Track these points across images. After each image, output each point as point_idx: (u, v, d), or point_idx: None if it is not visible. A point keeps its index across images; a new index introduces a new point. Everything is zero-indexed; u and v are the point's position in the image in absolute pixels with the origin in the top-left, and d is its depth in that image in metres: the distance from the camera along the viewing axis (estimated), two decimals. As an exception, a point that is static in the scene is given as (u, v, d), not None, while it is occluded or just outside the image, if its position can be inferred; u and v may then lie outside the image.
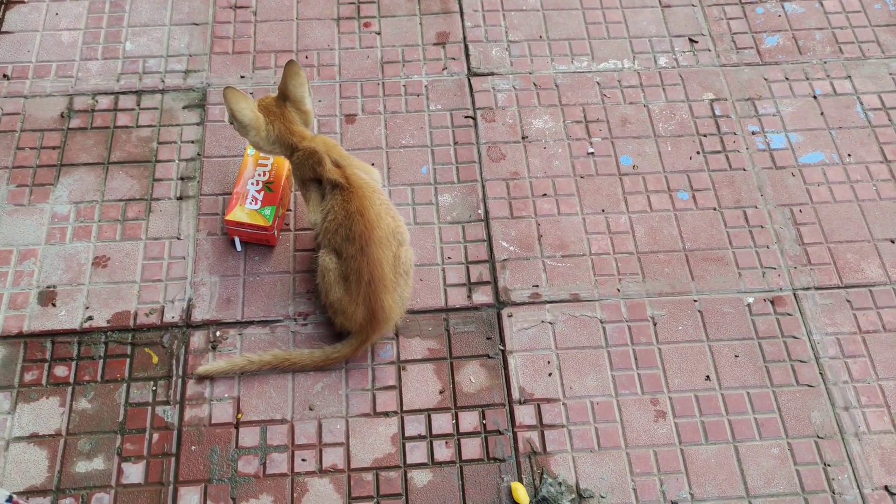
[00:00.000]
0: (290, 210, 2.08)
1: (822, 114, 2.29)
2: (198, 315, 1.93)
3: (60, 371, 1.85)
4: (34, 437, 1.77)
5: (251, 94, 2.27)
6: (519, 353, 1.90)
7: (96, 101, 2.26)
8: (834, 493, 1.74)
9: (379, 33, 2.41)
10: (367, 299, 1.74)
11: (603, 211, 2.11)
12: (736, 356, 1.91)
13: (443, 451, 1.78)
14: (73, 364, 1.86)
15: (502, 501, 1.73)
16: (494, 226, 2.08)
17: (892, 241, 2.07)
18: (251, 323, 1.92)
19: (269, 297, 1.96)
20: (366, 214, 1.75)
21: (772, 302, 1.98)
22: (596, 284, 2.00)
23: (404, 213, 2.05)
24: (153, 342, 1.89)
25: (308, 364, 1.84)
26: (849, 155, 2.22)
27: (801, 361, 1.90)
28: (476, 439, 1.80)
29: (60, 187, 2.11)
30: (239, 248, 2.02)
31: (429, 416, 1.82)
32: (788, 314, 1.97)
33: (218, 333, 1.91)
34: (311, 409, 1.82)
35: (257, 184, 1.99)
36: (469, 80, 2.32)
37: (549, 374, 1.87)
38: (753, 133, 2.25)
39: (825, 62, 2.39)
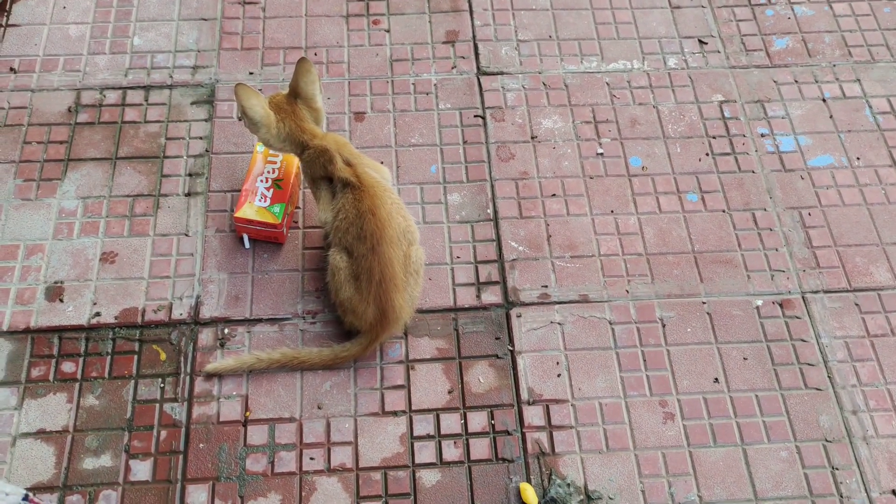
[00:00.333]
0: (300, 207, 2.08)
1: (831, 117, 2.29)
2: (206, 312, 1.92)
3: (68, 367, 1.85)
4: (41, 434, 1.77)
5: (260, 90, 2.25)
6: (528, 354, 1.89)
7: (104, 96, 2.25)
8: (842, 496, 1.74)
9: (388, 31, 2.40)
10: (378, 298, 1.74)
11: (612, 212, 2.10)
12: (744, 359, 1.90)
13: (451, 451, 1.78)
14: (81, 360, 1.85)
15: (511, 502, 1.73)
16: (503, 225, 2.07)
17: (901, 245, 2.08)
18: (260, 321, 1.92)
19: (277, 294, 1.95)
20: (377, 213, 1.74)
21: (780, 305, 1.98)
22: (605, 285, 2.00)
23: (413, 212, 2.05)
24: (161, 339, 1.89)
25: (317, 362, 1.83)
26: (858, 158, 2.22)
27: (809, 364, 1.90)
28: (485, 439, 1.79)
29: (68, 182, 2.10)
30: (247, 245, 2.01)
31: (437, 416, 1.81)
32: (797, 317, 1.97)
33: (226, 331, 1.90)
34: (319, 408, 1.81)
35: (266, 181, 1.99)
36: (478, 79, 2.32)
37: (558, 375, 1.87)
38: (763, 135, 2.25)
39: (834, 65, 2.39)
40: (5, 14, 2.39)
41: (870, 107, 2.31)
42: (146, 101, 2.24)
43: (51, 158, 2.14)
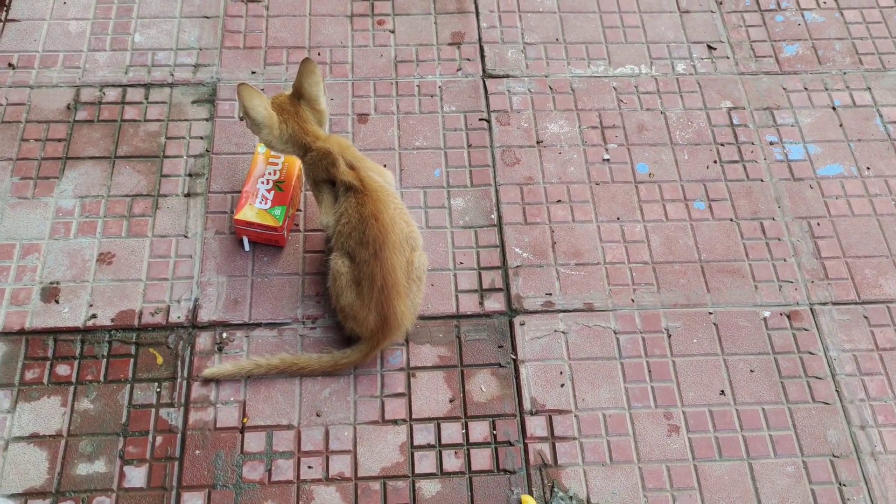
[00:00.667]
0: (301, 210, 2.04)
1: (840, 125, 2.26)
2: (204, 316, 1.89)
3: (62, 370, 1.81)
4: (34, 438, 1.73)
5: (262, 90, 2.22)
6: (531, 363, 1.86)
7: (103, 94, 2.21)
8: (849, 513, 1.72)
9: (393, 31, 2.37)
10: (380, 305, 1.71)
11: (618, 219, 2.07)
12: (751, 371, 1.87)
13: (452, 462, 1.74)
14: (76, 363, 1.82)
15: (512, 514, 1.70)
16: (508, 231, 2.04)
17: (911, 258, 2.05)
18: (258, 325, 1.88)
19: (277, 298, 1.92)
20: (380, 218, 1.71)
21: (788, 316, 1.95)
22: (610, 294, 1.96)
23: (416, 217, 2.02)
24: (158, 342, 1.85)
25: (316, 369, 1.80)
26: (868, 168, 2.19)
27: (817, 378, 1.87)
28: (486, 450, 1.76)
29: (65, 181, 2.07)
30: (247, 247, 1.98)
31: (438, 425, 1.78)
32: (805, 329, 1.93)
33: (224, 335, 1.87)
34: (318, 415, 1.78)
35: (267, 182, 1.95)
36: (484, 82, 2.29)
37: (562, 385, 1.84)
38: (771, 143, 2.22)
39: (845, 73, 2.36)
40: (5, 9, 2.36)
41: (880, 116, 2.28)
42: (146, 99, 2.21)
43: (49, 156, 2.10)
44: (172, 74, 2.26)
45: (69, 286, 1.92)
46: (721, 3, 2.47)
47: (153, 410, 1.77)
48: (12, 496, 1.66)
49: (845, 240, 2.07)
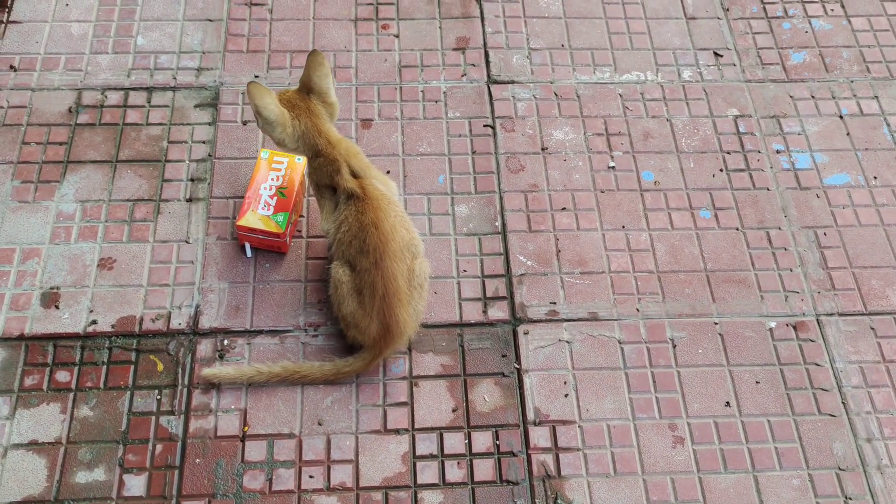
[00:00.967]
0: (303, 216, 2.03)
1: (848, 134, 2.24)
2: (205, 322, 1.87)
3: (62, 376, 1.80)
4: (33, 445, 1.72)
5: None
6: (535, 373, 1.85)
7: (105, 97, 2.20)
8: (855, 527, 1.70)
9: (397, 36, 2.35)
10: (382, 313, 1.69)
11: (623, 227, 2.06)
12: (757, 382, 1.86)
13: (454, 472, 1.73)
14: (76, 369, 1.80)
15: (515, 526, 1.68)
16: (512, 239, 2.03)
17: (918, 268, 2.03)
18: (260, 332, 1.87)
19: (279, 305, 1.90)
20: (380, 227, 1.69)
21: (794, 327, 1.93)
22: (615, 303, 1.95)
23: (420, 223, 2.00)
24: (158, 349, 1.84)
25: (318, 377, 1.78)
26: (875, 177, 2.17)
27: (823, 390, 1.85)
28: (489, 460, 1.74)
29: (66, 185, 2.05)
30: (249, 254, 1.96)
31: (441, 435, 1.77)
32: (811, 340, 1.92)
33: (226, 342, 1.85)
34: (319, 424, 1.76)
35: (270, 188, 1.94)
36: (489, 88, 2.27)
37: (566, 395, 1.82)
38: (778, 152, 2.20)
39: (852, 81, 2.34)
40: (6, 10, 2.34)
41: (887, 125, 2.26)
42: (148, 102, 2.19)
43: (50, 160, 2.09)
44: (175, 78, 2.24)
45: (69, 291, 1.90)
46: (728, 10, 2.46)
47: (153, 418, 1.76)
48: (10, 504, 1.65)
49: (852, 250, 2.05)
